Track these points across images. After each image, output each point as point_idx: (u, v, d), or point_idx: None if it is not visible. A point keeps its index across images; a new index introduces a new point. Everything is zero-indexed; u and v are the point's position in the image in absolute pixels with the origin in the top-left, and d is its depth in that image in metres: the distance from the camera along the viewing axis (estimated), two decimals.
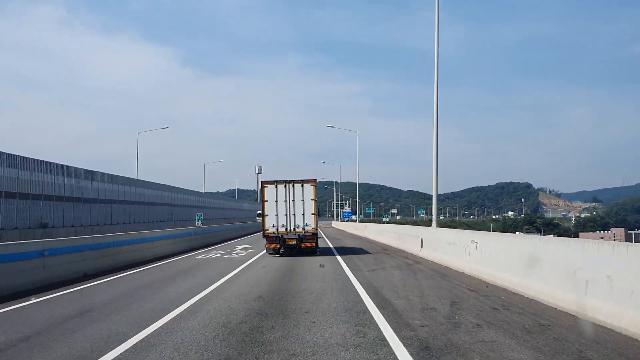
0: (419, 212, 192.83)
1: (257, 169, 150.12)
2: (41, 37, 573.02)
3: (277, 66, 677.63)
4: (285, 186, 19.02)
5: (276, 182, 19.09)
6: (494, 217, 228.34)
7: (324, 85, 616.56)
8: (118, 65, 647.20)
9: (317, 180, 19.72)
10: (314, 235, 19.29)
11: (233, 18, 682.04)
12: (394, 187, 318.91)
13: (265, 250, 19.82)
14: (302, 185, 18.99)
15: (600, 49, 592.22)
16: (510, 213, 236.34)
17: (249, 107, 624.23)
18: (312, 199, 18.97)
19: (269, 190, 19.02)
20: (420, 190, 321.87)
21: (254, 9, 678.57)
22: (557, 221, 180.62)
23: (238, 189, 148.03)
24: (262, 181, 19.29)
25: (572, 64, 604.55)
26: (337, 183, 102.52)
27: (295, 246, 19.08)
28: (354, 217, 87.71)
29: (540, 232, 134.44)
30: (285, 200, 18.95)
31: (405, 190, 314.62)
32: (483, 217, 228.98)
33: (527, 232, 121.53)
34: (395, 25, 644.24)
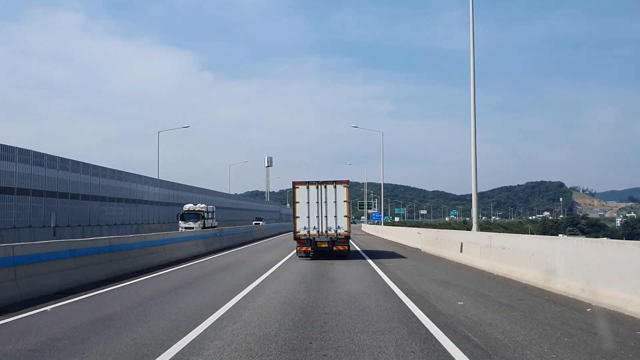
0: (451, 213, 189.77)
1: (266, 161, 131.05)
2: (63, 43, 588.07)
3: (296, 68, 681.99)
4: (318, 187, 18.93)
5: (308, 183, 19.02)
6: (530, 217, 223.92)
7: (343, 87, 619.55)
8: (138, 70, 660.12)
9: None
10: (347, 239, 19.19)
11: (252, 21, 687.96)
12: (419, 187, 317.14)
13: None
14: (335, 187, 18.89)
15: (625, 46, 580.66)
16: (546, 213, 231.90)
17: (268, 110, 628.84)
18: (344, 201, 18.85)
19: (301, 191, 18.96)
20: (446, 191, 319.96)
21: (272, 11, 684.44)
22: (602, 222, 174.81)
23: (257, 191, 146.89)
24: (293, 182, 19.21)
25: (596, 62, 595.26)
26: (374, 185, 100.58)
27: (327, 249, 18.99)
28: (394, 218, 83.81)
29: (584, 233, 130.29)
30: (317, 202, 18.86)
31: (431, 190, 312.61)
32: (519, 219, 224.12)
33: (571, 234, 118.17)
34: (415, 25, 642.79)
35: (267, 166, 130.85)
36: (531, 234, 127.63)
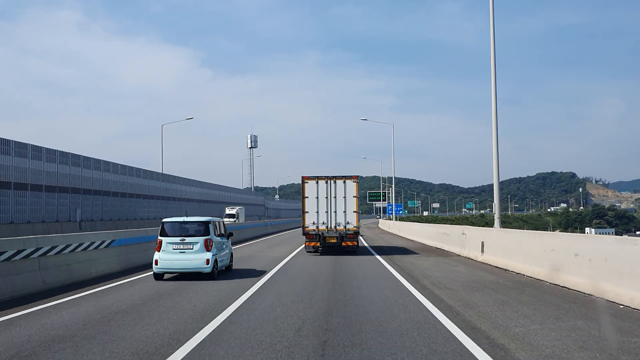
0: (467, 206, 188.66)
1: (250, 141, 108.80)
2: (62, 42, 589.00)
3: (297, 64, 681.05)
4: (327, 182, 19.62)
5: (317, 178, 19.69)
6: (550, 209, 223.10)
7: (345, 82, 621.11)
8: (138, 67, 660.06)
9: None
10: (356, 234, 19.94)
11: (251, 17, 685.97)
12: (424, 180, 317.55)
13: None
14: (344, 182, 19.59)
15: (628, 37, 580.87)
16: (563, 205, 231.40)
17: (269, 106, 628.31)
18: (354, 196, 19.56)
19: (310, 186, 19.66)
20: (453, 184, 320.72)
21: (272, 7, 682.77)
22: (630, 214, 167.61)
23: (258, 187, 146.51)
24: (302, 177, 19.89)
25: (600, 54, 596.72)
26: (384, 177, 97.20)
27: (336, 245, 19.74)
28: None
29: (612, 226, 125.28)
30: (327, 197, 19.58)
31: (437, 183, 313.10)
32: (537, 211, 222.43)
33: (599, 227, 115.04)
34: (416, 18, 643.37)
35: (251, 147, 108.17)
36: (553, 227, 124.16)
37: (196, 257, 12.96)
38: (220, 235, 14.16)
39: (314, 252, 20.28)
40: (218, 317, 8.20)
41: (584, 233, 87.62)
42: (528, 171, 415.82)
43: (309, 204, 19.65)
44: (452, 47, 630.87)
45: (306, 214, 19.67)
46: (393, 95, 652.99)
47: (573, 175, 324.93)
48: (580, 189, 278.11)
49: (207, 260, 12.93)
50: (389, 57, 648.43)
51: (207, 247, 13.04)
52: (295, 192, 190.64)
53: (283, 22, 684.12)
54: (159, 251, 13.12)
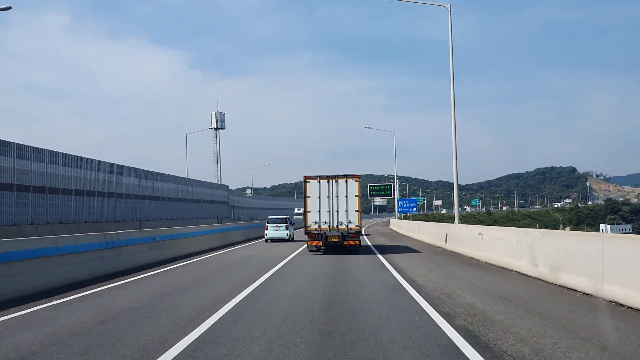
0: (473, 202, 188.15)
1: (214, 120, 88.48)
2: (50, 46, 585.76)
3: (287, 65, 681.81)
4: (329, 181, 20.26)
5: (319, 177, 20.32)
6: (555, 205, 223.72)
7: (337, 82, 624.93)
8: (128, 71, 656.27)
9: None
10: (358, 233, 20.60)
11: (242, 18, 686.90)
12: (420, 178, 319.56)
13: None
14: (346, 181, 20.24)
15: (618, 32, 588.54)
16: (567, 200, 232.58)
17: (261, 107, 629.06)
18: (356, 195, 20.20)
19: (312, 186, 20.28)
20: (450, 180, 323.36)
21: (261, 8, 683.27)
22: None
23: (247, 187, 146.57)
24: (304, 176, 20.49)
25: (591, 50, 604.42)
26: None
27: (338, 244, 20.39)
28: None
29: (627, 222, 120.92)
30: (329, 196, 20.20)
31: (434, 181, 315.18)
32: (544, 207, 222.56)
33: (613, 223, 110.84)
34: (404, 17, 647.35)
35: (217, 128, 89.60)
36: (563, 225, 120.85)
37: (283, 232, 30.50)
38: (290, 223, 31.24)
39: (316, 251, 20.93)
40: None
41: (599, 231, 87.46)
42: (526, 167, 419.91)
43: (311, 204, 20.27)
44: (444, 46, 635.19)
45: (308, 214, 20.32)
46: (385, 94, 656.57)
47: (573, 169, 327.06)
48: (588, 183, 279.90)
49: (287, 234, 30.53)
50: (380, 56, 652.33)
51: (287, 228, 30.60)
52: (287, 192, 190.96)
53: (274, 23, 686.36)
54: (266, 230, 30.77)
